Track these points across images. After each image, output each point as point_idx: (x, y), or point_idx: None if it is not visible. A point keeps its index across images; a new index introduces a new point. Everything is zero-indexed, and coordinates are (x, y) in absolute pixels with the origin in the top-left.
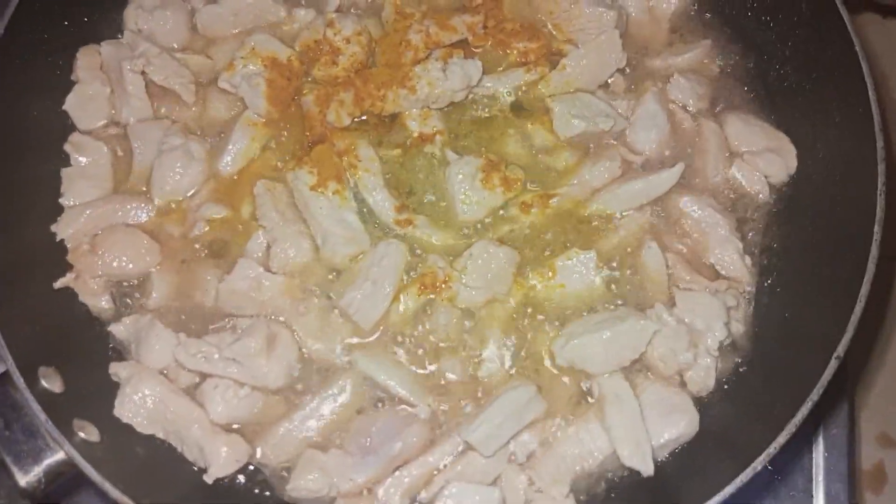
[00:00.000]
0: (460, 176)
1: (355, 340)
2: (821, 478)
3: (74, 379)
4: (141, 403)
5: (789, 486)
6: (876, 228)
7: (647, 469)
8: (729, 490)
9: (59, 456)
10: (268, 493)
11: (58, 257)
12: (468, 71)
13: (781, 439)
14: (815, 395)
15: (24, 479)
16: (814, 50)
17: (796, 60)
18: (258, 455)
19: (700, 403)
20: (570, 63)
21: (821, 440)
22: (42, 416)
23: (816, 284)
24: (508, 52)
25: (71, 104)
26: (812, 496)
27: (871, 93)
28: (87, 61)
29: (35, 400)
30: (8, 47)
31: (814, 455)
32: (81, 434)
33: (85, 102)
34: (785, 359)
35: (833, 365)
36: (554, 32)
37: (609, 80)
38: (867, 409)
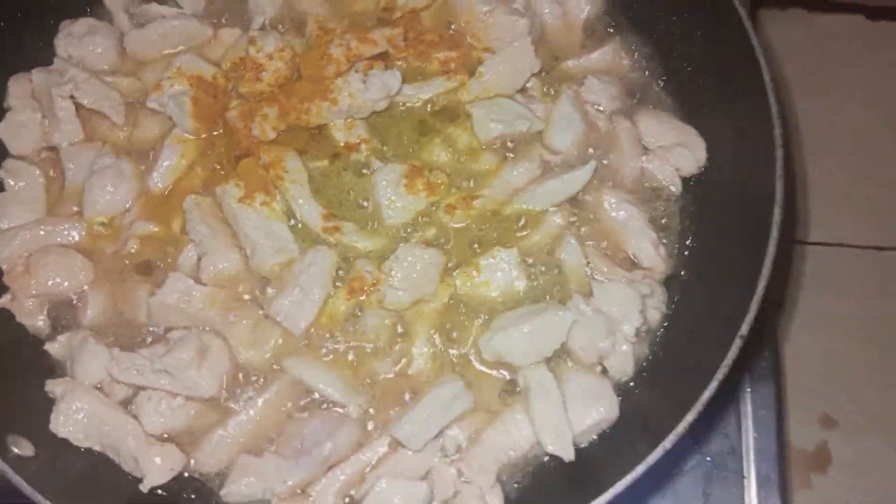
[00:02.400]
0: (384, 182)
1: (286, 347)
2: (752, 458)
3: (9, 396)
4: (76, 418)
5: (720, 468)
6: (776, 210)
7: (569, 455)
8: (640, 469)
9: None
10: (204, 500)
11: None
12: (387, 81)
13: (689, 418)
14: (720, 375)
15: None
16: (715, 45)
17: (701, 57)
18: (193, 463)
19: (620, 389)
20: (487, 70)
21: (749, 421)
22: None
23: (726, 269)
24: (429, 62)
25: (3, 131)
26: (744, 477)
27: (767, 83)
28: (18, 89)
29: None
30: None
31: (743, 436)
32: (15, 449)
33: (17, 129)
34: (697, 342)
35: (738, 343)
36: (472, 42)
37: (527, 85)
38: (807, 392)
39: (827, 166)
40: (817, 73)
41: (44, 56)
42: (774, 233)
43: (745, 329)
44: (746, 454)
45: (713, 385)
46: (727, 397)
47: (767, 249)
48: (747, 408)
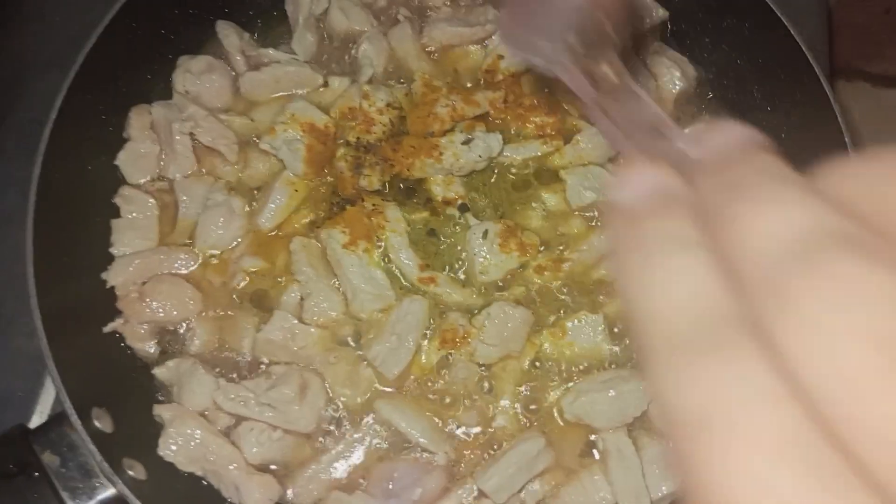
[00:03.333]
0: (479, 240)
1: (380, 389)
2: None
3: (122, 419)
4: (183, 443)
5: None
6: None
7: None
8: None
9: (111, 492)
10: None
11: (107, 304)
12: (490, 143)
13: None
14: None
15: None
16: (805, 132)
17: (790, 144)
18: (289, 495)
19: None
20: (584, 139)
21: None
22: (97, 455)
23: None
24: (526, 125)
25: (122, 160)
26: None
27: None
28: (138, 121)
29: (90, 440)
30: (68, 108)
31: None
32: (130, 472)
33: (135, 159)
34: None
35: None
36: (568, 108)
37: (618, 155)
38: None
39: None
40: (885, 143)
41: (161, 90)
42: None
43: None
44: None
45: None
46: None
47: None
48: None
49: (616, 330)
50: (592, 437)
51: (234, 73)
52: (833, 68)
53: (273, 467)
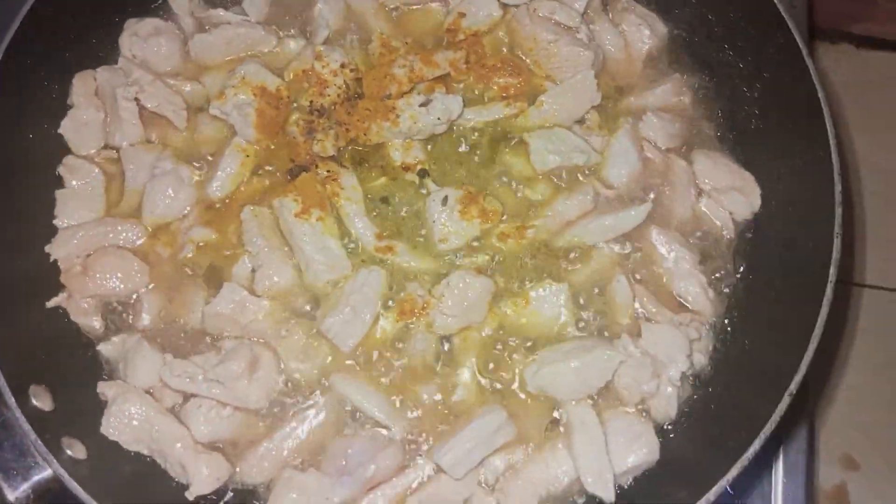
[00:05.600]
0: (439, 206)
1: (334, 363)
2: (780, 501)
3: (64, 397)
4: (127, 422)
5: None
6: (832, 270)
7: (609, 496)
8: None
9: (47, 473)
10: None
11: (50, 277)
12: (449, 105)
13: (734, 472)
14: (767, 430)
15: (12, 495)
16: (778, 92)
17: (762, 102)
18: (238, 473)
19: (662, 432)
20: (548, 100)
21: (780, 464)
22: (32, 435)
23: (775, 320)
24: (489, 86)
25: (66, 128)
26: None
27: (831, 138)
28: (82, 86)
29: (25, 419)
30: (5, 72)
31: (773, 479)
32: (69, 451)
33: (79, 127)
34: (743, 391)
35: (786, 401)
36: (533, 69)
37: (585, 117)
38: (830, 431)
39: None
40: (870, 110)
41: (108, 55)
42: (829, 293)
43: (793, 388)
44: (775, 498)
45: (759, 441)
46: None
47: (821, 309)
48: (779, 452)
49: (581, 300)
50: (556, 410)
51: (183, 36)
52: (815, 30)
53: (222, 445)
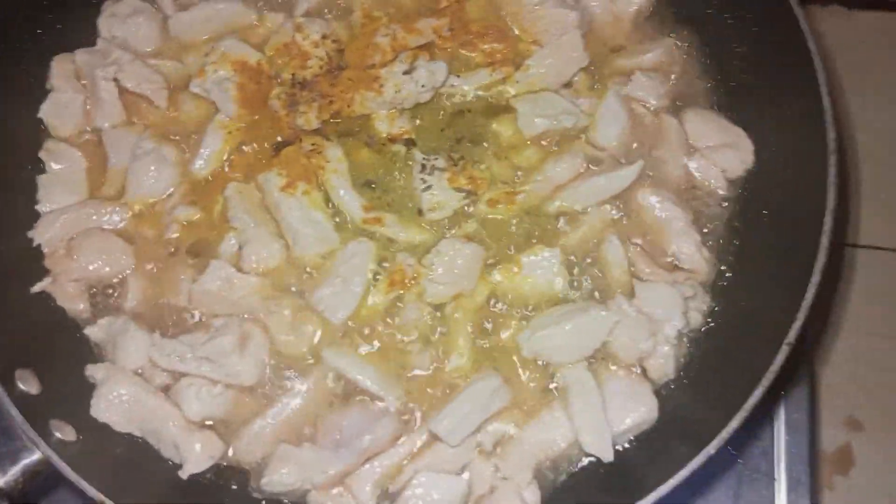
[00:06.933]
0: (427, 175)
1: (326, 337)
2: (783, 461)
3: (52, 381)
4: (117, 403)
5: (751, 469)
6: (827, 219)
7: (607, 455)
8: (683, 473)
9: (36, 456)
10: (243, 488)
11: (34, 262)
12: (434, 71)
13: (734, 424)
14: (766, 381)
15: (1, 479)
16: (768, 45)
17: (752, 56)
18: (232, 451)
19: (660, 391)
20: (534, 63)
21: (782, 423)
22: (18, 417)
23: (771, 274)
24: (474, 53)
25: (46, 112)
26: (774, 479)
27: (822, 86)
28: (61, 69)
29: (11, 402)
30: None
31: (775, 438)
32: (58, 434)
33: (60, 110)
34: (741, 346)
35: (784, 351)
36: (519, 34)
37: (573, 79)
38: (833, 393)
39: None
40: (861, 71)
41: (86, 37)
42: (825, 242)
43: (792, 336)
44: (778, 457)
45: (758, 391)
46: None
47: (817, 258)
48: (780, 410)
49: (574, 264)
50: (552, 373)
51: (161, 16)
52: None
53: (214, 424)
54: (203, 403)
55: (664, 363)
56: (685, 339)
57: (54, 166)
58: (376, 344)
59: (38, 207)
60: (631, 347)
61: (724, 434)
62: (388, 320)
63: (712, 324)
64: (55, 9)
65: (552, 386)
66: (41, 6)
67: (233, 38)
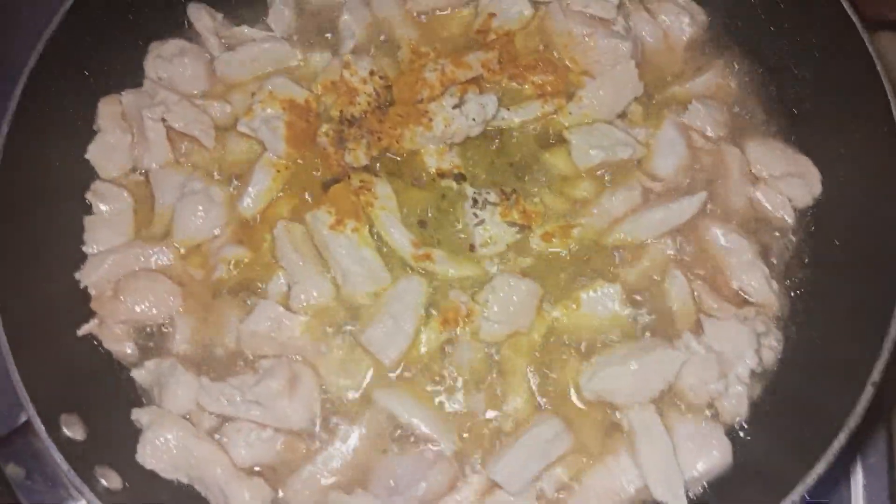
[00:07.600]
0: (478, 210)
1: (377, 378)
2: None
3: (97, 425)
4: (164, 448)
5: None
6: None
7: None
8: None
9: None
10: None
11: (81, 304)
12: (484, 105)
13: (819, 470)
14: (851, 424)
15: None
16: (832, 69)
17: (814, 81)
18: (281, 497)
19: (733, 434)
20: (587, 94)
21: (859, 469)
22: (64, 465)
23: (847, 307)
24: (524, 85)
25: (93, 153)
26: None
27: (894, 109)
28: (108, 110)
29: (57, 449)
30: (31, 98)
31: (852, 485)
32: (103, 481)
33: (106, 151)
34: (819, 385)
35: (869, 391)
36: (569, 65)
37: (627, 109)
38: None
39: None
40: None
41: (133, 78)
42: None
43: (876, 375)
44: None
45: (842, 436)
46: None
47: None
48: (856, 456)
49: (635, 299)
50: (617, 416)
51: (208, 56)
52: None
53: (258, 469)
54: (252, 449)
55: (736, 404)
56: (757, 379)
57: (101, 207)
58: (429, 384)
59: (84, 248)
60: (700, 388)
61: (809, 481)
62: (442, 360)
63: (786, 361)
64: (101, 50)
65: (618, 430)
66: (87, 48)
67: (281, 77)
